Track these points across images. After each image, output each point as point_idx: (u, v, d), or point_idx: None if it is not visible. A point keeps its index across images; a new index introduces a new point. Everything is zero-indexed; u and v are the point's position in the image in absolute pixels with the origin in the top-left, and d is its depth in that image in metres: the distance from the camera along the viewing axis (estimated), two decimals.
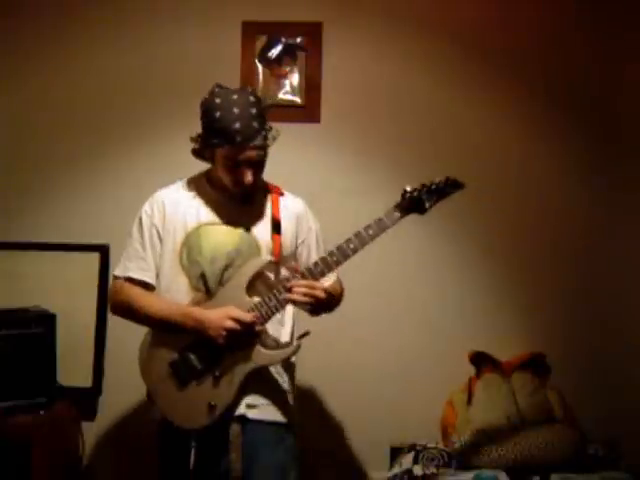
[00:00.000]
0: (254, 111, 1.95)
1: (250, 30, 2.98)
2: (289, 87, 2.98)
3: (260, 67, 2.98)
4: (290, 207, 2.14)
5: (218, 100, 1.96)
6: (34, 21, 3.02)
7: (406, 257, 2.91)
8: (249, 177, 1.98)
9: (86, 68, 3.01)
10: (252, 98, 1.98)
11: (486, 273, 2.94)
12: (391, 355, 2.90)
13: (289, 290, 1.96)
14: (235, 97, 1.96)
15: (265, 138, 1.98)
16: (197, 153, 2.06)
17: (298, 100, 2.98)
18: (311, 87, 2.96)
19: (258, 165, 2.01)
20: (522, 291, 2.93)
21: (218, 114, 1.94)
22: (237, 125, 1.92)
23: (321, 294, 1.96)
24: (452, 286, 2.93)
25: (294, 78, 2.98)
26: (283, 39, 2.98)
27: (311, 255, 2.15)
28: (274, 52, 2.99)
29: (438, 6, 2.96)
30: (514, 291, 2.93)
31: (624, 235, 2.88)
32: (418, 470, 2.55)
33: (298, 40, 2.98)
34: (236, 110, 1.93)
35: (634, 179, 2.87)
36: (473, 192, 2.90)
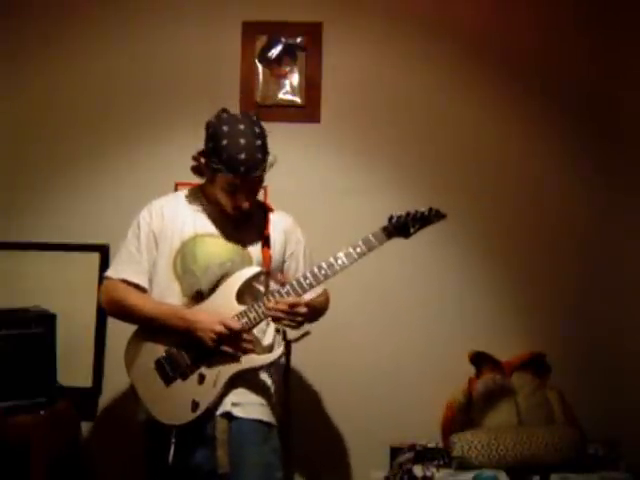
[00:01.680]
0: (259, 142, 2.03)
1: (250, 30, 2.98)
2: (289, 87, 2.98)
3: (260, 67, 2.98)
4: (280, 223, 2.22)
5: (225, 128, 2.02)
6: (35, 22, 3.01)
7: (405, 257, 2.90)
8: (246, 204, 2.07)
9: (86, 68, 3.01)
10: (257, 129, 2.05)
11: (486, 273, 2.94)
12: (391, 355, 2.90)
13: (269, 309, 2.04)
14: (242, 127, 2.02)
15: (265, 168, 2.07)
16: (196, 171, 2.13)
17: (298, 100, 2.98)
18: (311, 87, 2.96)
19: (255, 192, 2.11)
20: (522, 291, 2.93)
21: (225, 142, 2.00)
22: (242, 156, 1.99)
23: (303, 309, 2.04)
24: (452, 286, 2.93)
25: (294, 78, 2.98)
26: (283, 39, 2.98)
27: (299, 267, 2.23)
28: (274, 52, 2.99)
29: (438, 6, 2.96)
30: (514, 291, 2.93)
31: (623, 235, 2.88)
32: (418, 470, 2.55)
33: (298, 40, 2.98)
34: (242, 141, 2.00)
35: (633, 179, 2.87)
36: (472, 192, 2.93)
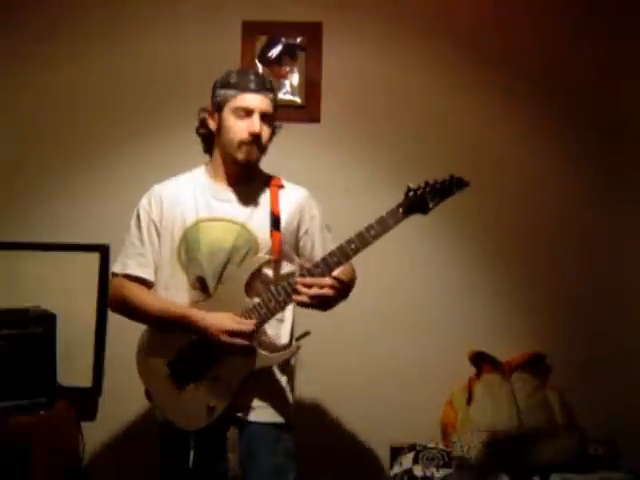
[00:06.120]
0: (268, 80, 2.07)
1: (250, 30, 2.98)
2: (289, 87, 2.98)
3: (260, 67, 2.98)
4: (291, 198, 2.11)
5: (233, 73, 2.05)
6: (35, 21, 3.02)
7: (405, 256, 2.91)
8: (257, 126, 1.99)
9: (86, 69, 3.01)
10: (266, 77, 2.10)
11: (486, 273, 2.94)
12: (391, 355, 2.90)
13: (295, 291, 1.92)
14: (251, 72, 2.10)
15: (275, 102, 2.06)
16: (202, 125, 2.09)
17: (298, 100, 2.98)
18: (311, 87, 2.97)
19: (267, 120, 2.03)
20: (522, 291, 2.93)
21: (234, 75, 2.04)
22: (252, 77, 2.03)
23: (329, 292, 1.92)
24: (452, 286, 2.93)
25: (294, 78, 2.98)
26: (283, 39, 2.98)
27: (315, 245, 2.12)
28: (274, 52, 2.99)
29: (437, 6, 2.96)
30: (514, 291, 2.93)
31: (624, 235, 2.88)
32: (418, 470, 2.55)
33: (298, 40, 2.98)
34: (252, 76, 2.04)
35: (634, 180, 2.87)
36: (472, 191, 2.90)
